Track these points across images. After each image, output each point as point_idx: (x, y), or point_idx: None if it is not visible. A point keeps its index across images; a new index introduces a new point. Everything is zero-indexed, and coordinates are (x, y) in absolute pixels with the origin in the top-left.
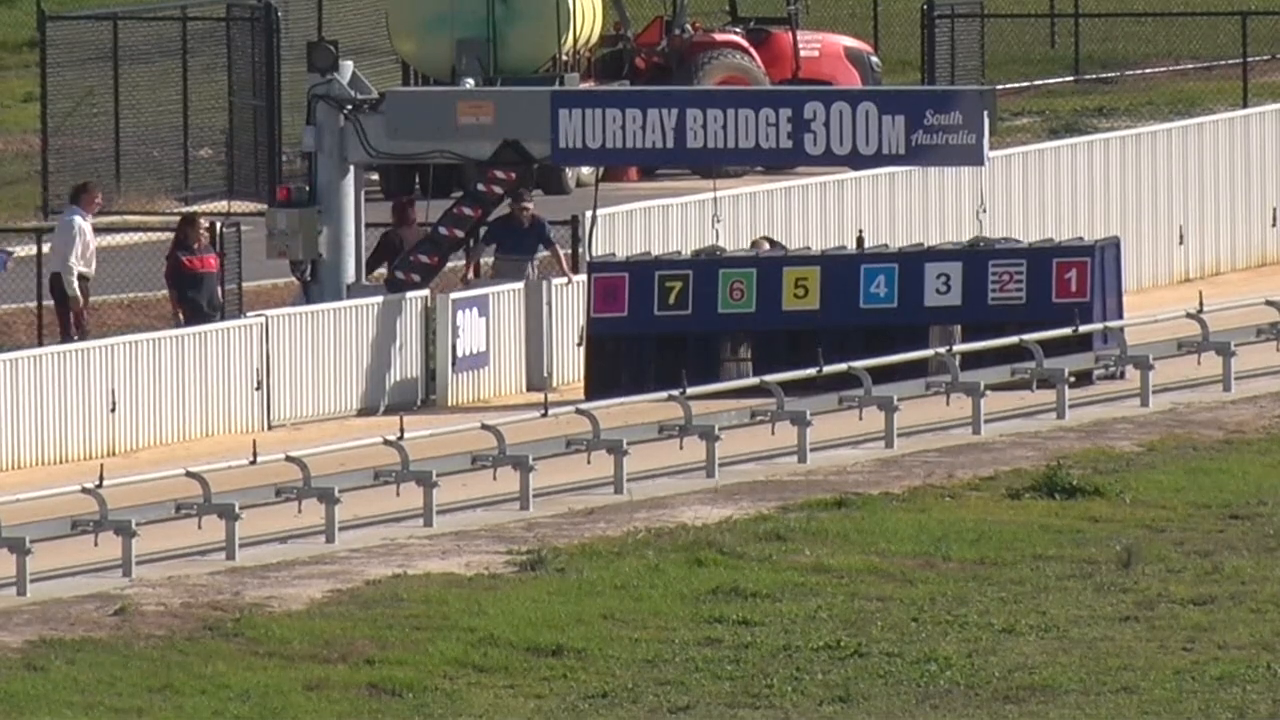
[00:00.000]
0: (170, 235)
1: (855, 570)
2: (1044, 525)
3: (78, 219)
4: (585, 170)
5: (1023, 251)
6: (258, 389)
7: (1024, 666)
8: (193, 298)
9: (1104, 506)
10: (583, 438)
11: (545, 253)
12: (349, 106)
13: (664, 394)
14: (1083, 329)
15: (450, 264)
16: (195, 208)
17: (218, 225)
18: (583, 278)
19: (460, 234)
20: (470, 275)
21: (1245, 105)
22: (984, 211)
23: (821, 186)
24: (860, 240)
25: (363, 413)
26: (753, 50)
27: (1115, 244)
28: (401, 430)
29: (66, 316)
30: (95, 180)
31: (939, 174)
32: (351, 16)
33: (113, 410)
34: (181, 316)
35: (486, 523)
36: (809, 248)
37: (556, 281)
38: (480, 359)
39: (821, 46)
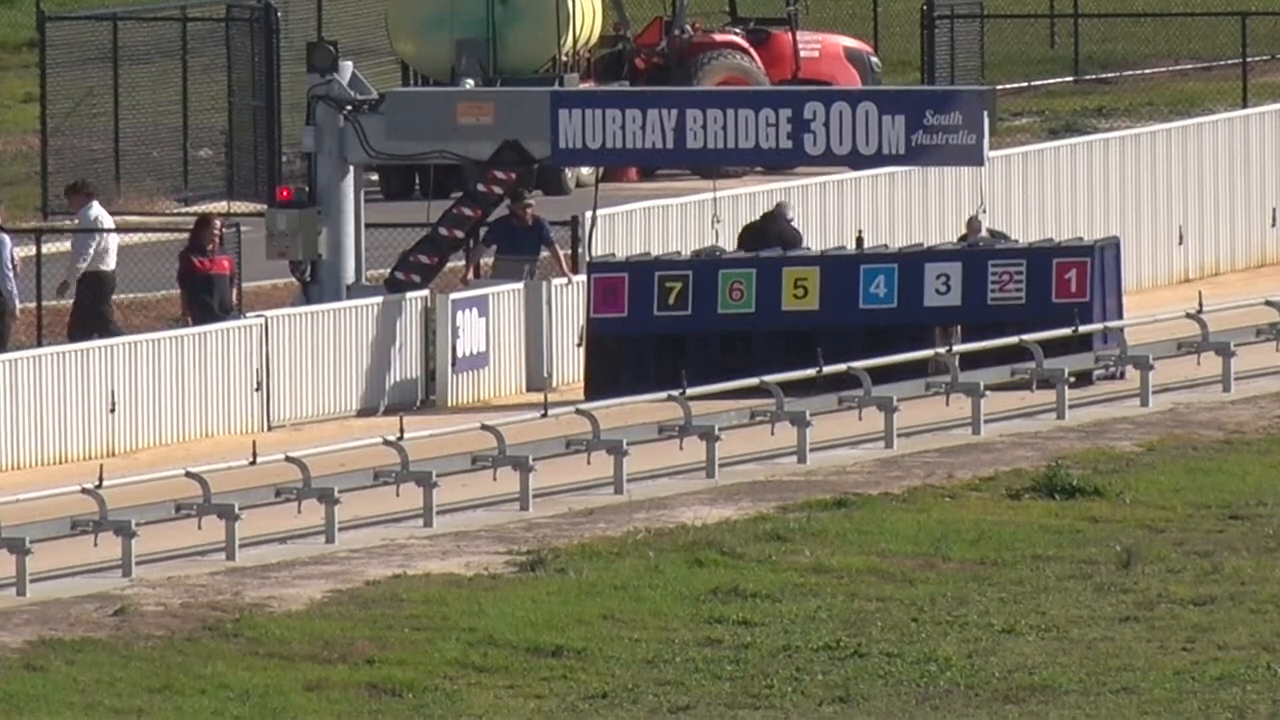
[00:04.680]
0: (171, 236)
1: (855, 570)
2: (1044, 525)
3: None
4: (585, 170)
5: (1022, 251)
6: (257, 389)
7: (1024, 667)
8: (204, 299)
9: (1104, 507)
10: (582, 438)
11: (545, 253)
12: (349, 107)
13: (664, 394)
14: (1082, 329)
15: (450, 264)
16: (196, 208)
17: (219, 226)
18: (582, 278)
19: (460, 234)
20: (470, 276)
21: (1245, 105)
22: (984, 212)
23: (821, 187)
24: (860, 240)
25: (362, 413)
26: (752, 51)
27: (1115, 244)
28: (401, 431)
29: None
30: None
31: (939, 174)
32: (351, 17)
33: (112, 411)
34: (190, 318)
35: (486, 523)
36: (809, 248)
37: (556, 282)
38: (480, 359)
39: (821, 47)
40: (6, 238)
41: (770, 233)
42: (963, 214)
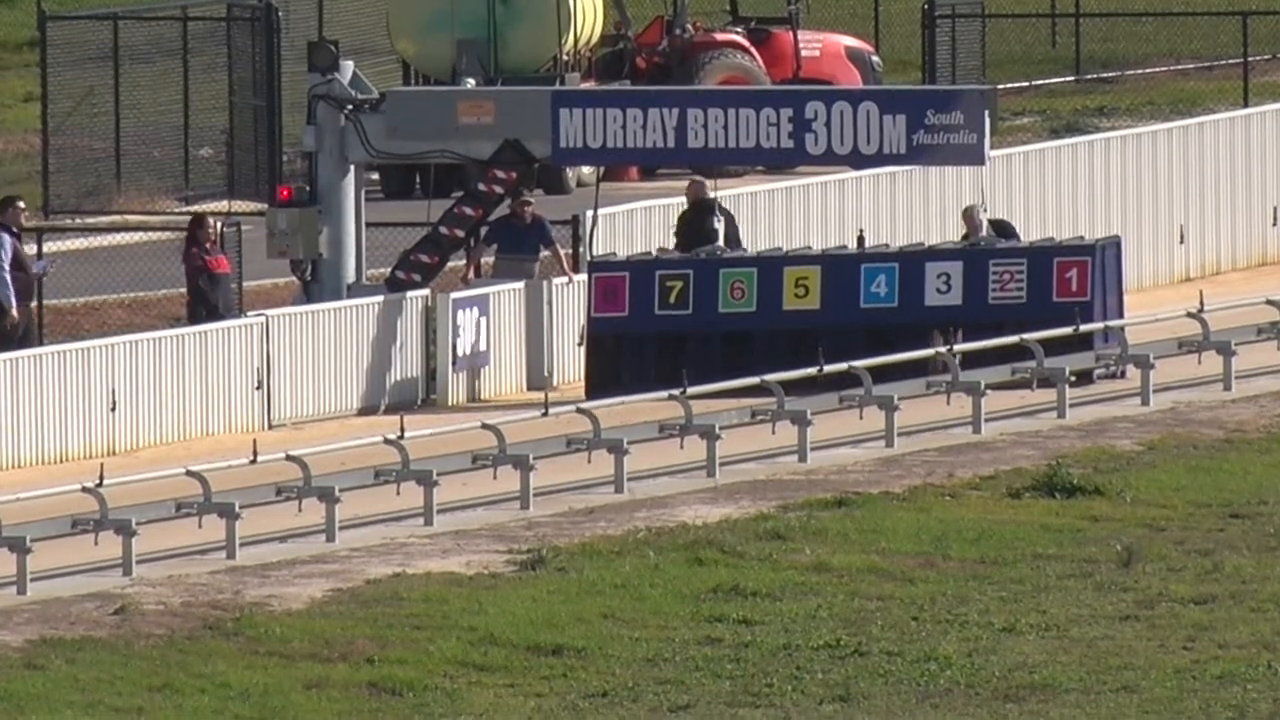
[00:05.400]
0: (172, 235)
1: (855, 569)
2: (1044, 524)
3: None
4: (586, 170)
5: (1023, 251)
6: (258, 388)
7: (1024, 665)
8: (212, 296)
9: (1104, 505)
10: (583, 437)
11: (546, 252)
12: (349, 106)
13: (664, 393)
14: (1083, 328)
15: (450, 263)
16: (196, 207)
17: (219, 225)
18: (583, 277)
19: (461, 233)
20: (471, 275)
21: (1246, 105)
22: (985, 211)
23: (822, 186)
24: (861, 240)
25: (363, 412)
26: (753, 50)
27: (1116, 243)
28: (402, 429)
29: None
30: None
31: (940, 173)
32: (352, 16)
33: (113, 409)
34: (202, 309)
35: (487, 522)
36: (809, 247)
37: (557, 281)
38: (481, 358)
39: (822, 46)
40: (6, 237)
41: (707, 225)
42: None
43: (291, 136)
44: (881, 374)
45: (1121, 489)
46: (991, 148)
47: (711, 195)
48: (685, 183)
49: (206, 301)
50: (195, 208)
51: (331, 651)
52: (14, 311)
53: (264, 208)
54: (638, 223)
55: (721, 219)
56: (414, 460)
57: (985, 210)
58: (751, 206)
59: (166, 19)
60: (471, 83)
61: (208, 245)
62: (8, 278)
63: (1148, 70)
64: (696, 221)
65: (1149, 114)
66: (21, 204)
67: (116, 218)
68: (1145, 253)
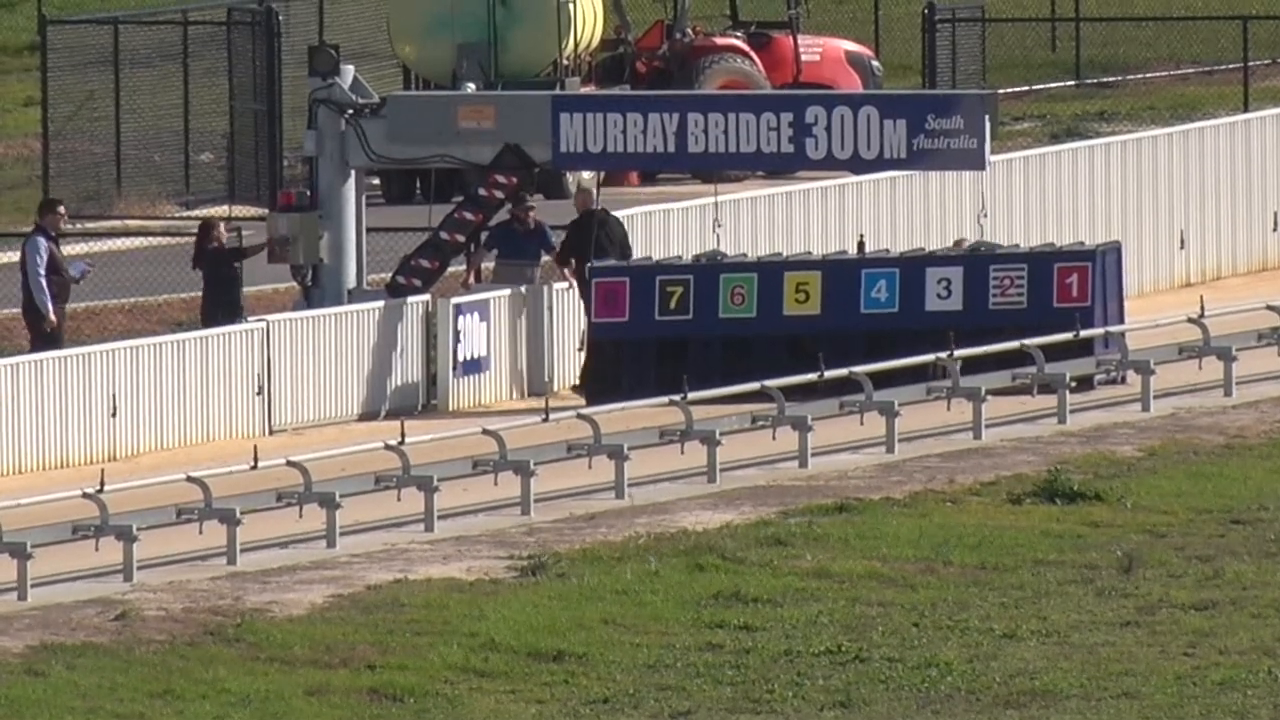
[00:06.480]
0: (172, 240)
1: (856, 575)
2: (1045, 530)
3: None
4: (586, 174)
5: (1024, 256)
6: (259, 394)
7: (1025, 672)
8: (230, 300)
9: (1105, 511)
10: (584, 442)
11: (546, 257)
12: (350, 111)
13: (665, 399)
14: (1084, 334)
15: (451, 268)
16: (197, 212)
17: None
18: None
19: (461, 239)
20: (471, 280)
21: (1246, 109)
22: (985, 216)
23: (822, 191)
24: (861, 245)
25: (364, 417)
26: (754, 54)
27: (1116, 249)
28: (402, 435)
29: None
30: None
31: (940, 178)
32: (353, 21)
33: (114, 415)
34: (210, 315)
35: (487, 528)
36: (810, 252)
37: (557, 286)
38: (481, 363)
39: (822, 50)
40: (42, 241)
41: (599, 236)
42: (964, 218)
43: (292, 141)
44: (882, 379)
45: (1122, 495)
46: (992, 152)
47: (596, 205)
48: (686, 188)
49: (227, 289)
50: (196, 213)
51: (332, 657)
52: (51, 315)
53: (264, 213)
54: (637, 228)
55: (607, 227)
56: (415, 466)
57: (984, 215)
58: (752, 212)
59: (167, 23)
60: (472, 87)
61: (214, 247)
62: (44, 282)
63: (1148, 75)
64: (586, 232)
65: (1149, 119)
66: (62, 209)
67: (117, 223)
68: (1145, 258)
